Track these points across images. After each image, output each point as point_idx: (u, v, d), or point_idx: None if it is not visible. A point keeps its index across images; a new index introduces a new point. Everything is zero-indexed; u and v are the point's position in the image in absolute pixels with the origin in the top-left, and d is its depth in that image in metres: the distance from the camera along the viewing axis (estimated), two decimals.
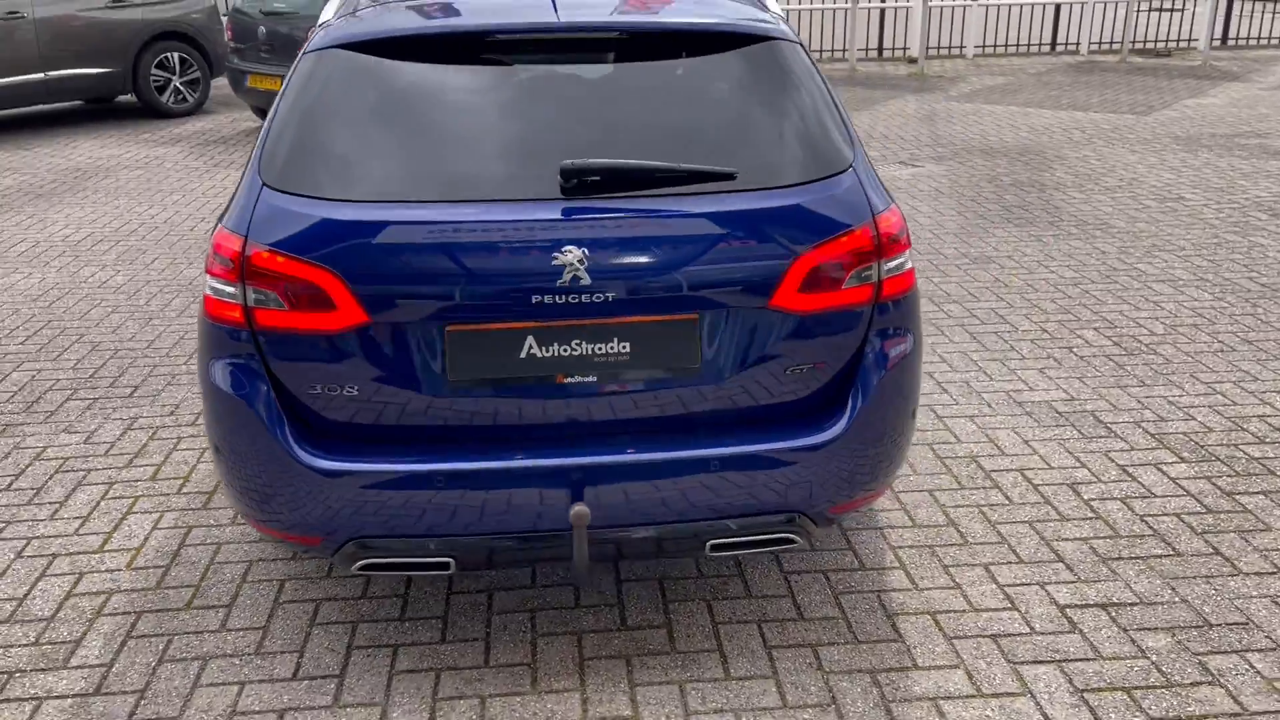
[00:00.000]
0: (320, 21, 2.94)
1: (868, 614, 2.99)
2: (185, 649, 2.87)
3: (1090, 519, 3.44)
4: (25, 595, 3.12)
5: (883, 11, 15.05)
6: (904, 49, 15.02)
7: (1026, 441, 3.96)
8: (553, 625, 2.95)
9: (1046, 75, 13.25)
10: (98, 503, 3.62)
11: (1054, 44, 15.35)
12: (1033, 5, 15.38)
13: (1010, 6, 15.84)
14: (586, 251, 2.45)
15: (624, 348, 2.52)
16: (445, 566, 2.59)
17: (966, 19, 14.90)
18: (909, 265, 2.74)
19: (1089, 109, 10.99)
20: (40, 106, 10.83)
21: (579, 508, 2.45)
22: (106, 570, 3.24)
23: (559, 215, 2.47)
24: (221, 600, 3.07)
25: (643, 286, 2.49)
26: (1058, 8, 15.26)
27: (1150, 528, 3.39)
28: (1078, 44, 15.31)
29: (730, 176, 2.57)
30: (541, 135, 2.58)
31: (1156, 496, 3.57)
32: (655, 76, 2.71)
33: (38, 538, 3.43)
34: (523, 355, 2.50)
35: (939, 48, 15.12)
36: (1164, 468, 3.75)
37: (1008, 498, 3.58)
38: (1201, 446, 3.90)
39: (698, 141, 2.63)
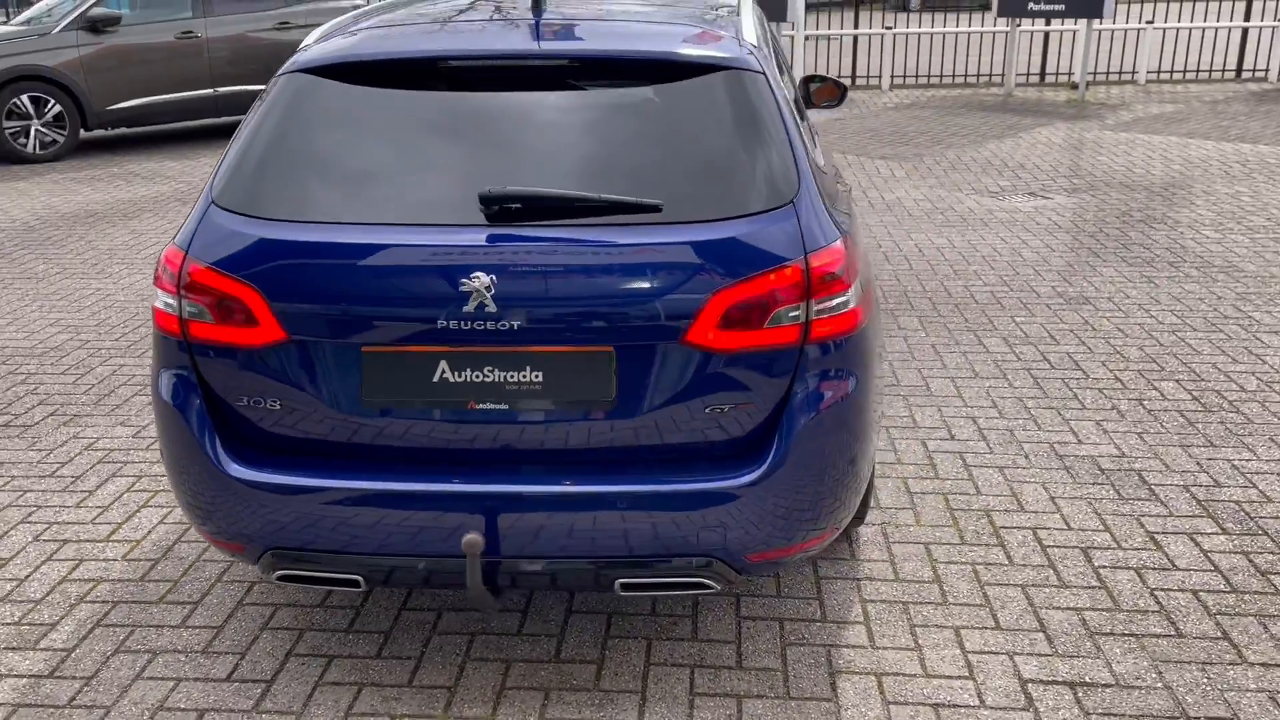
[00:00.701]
0: (302, 44, 3.05)
1: (809, 669, 2.85)
2: (142, 641, 3.00)
3: (1092, 588, 3.18)
4: (27, 577, 3.34)
5: (1046, 35, 14.41)
6: (1069, 74, 14.34)
7: (1053, 498, 3.70)
8: (487, 650, 2.94)
9: (1222, 104, 12.39)
10: (121, 495, 3.85)
11: (1239, 70, 14.34)
12: (1215, 29, 14.43)
13: (1191, 30, 14.91)
14: (495, 279, 2.44)
15: (536, 377, 2.50)
16: (355, 584, 2.62)
17: (1140, 42, 14.10)
18: (852, 305, 2.60)
19: (1259, 141, 10.21)
20: (209, 120, 11.60)
21: (471, 536, 2.44)
22: (104, 559, 3.43)
23: (471, 241, 2.47)
24: (191, 597, 3.20)
25: (554, 316, 2.46)
26: (1244, 31, 14.26)
27: (1158, 603, 3.10)
28: (1266, 70, 14.25)
29: (655, 209, 2.51)
30: (474, 161, 2.59)
31: (1177, 569, 3.27)
32: (602, 105, 2.68)
33: (59, 523, 3.66)
34: (435, 379, 2.51)
35: (1108, 73, 14.36)
36: (1199, 538, 3.43)
37: (1009, 557, 3.35)
38: (1251, 518, 3.55)
39: (634, 171, 2.58)
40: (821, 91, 5.18)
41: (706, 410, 2.53)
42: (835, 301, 2.56)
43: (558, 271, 2.46)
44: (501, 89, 2.70)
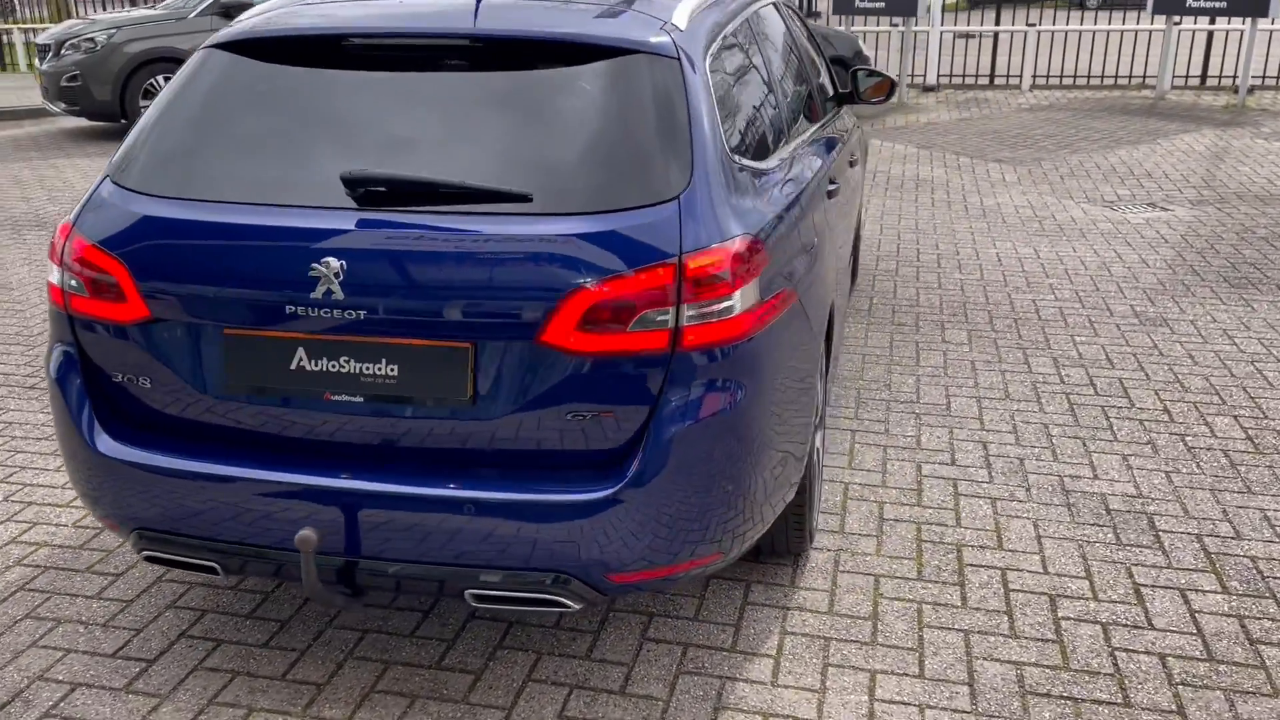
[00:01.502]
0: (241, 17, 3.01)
1: (694, 702, 2.64)
2: (52, 609, 3.04)
3: (1044, 641, 2.85)
4: None
5: (1210, 36, 13.39)
6: (1232, 78, 13.29)
7: (1039, 537, 3.35)
8: (371, 650, 2.85)
9: None
10: None
11: None
12: None
13: None
14: (345, 265, 2.33)
15: (391, 371, 2.38)
16: (213, 570, 2.57)
17: None
18: (738, 311, 2.38)
19: None
20: None
21: (305, 533, 2.34)
22: (56, 524, 3.50)
23: (325, 225, 2.37)
24: (116, 569, 3.23)
25: (407, 308, 2.33)
26: None
27: (1115, 665, 2.75)
28: None
29: (525, 198, 2.36)
30: (355, 142, 2.48)
31: (1153, 629, 2.90)
32: (497, 87, 2.53)
33: (33, 485, 3.77)
34: (293, 367, 2.42)
35: (1278, 78, 13.23)
36: (1192, 595, 3.04)
37: (964, 599, 3.04)
38: (1264, 577, 3.13)
39: (517, 158, 2.43)
40: (873, 88, 4.89)
41: (568, 417, 2.36)
42: (715, 306, 2.35)
43: (412, 260, 2.33)
44: (399, 68, 2.59)
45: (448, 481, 2.38)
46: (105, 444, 2.56)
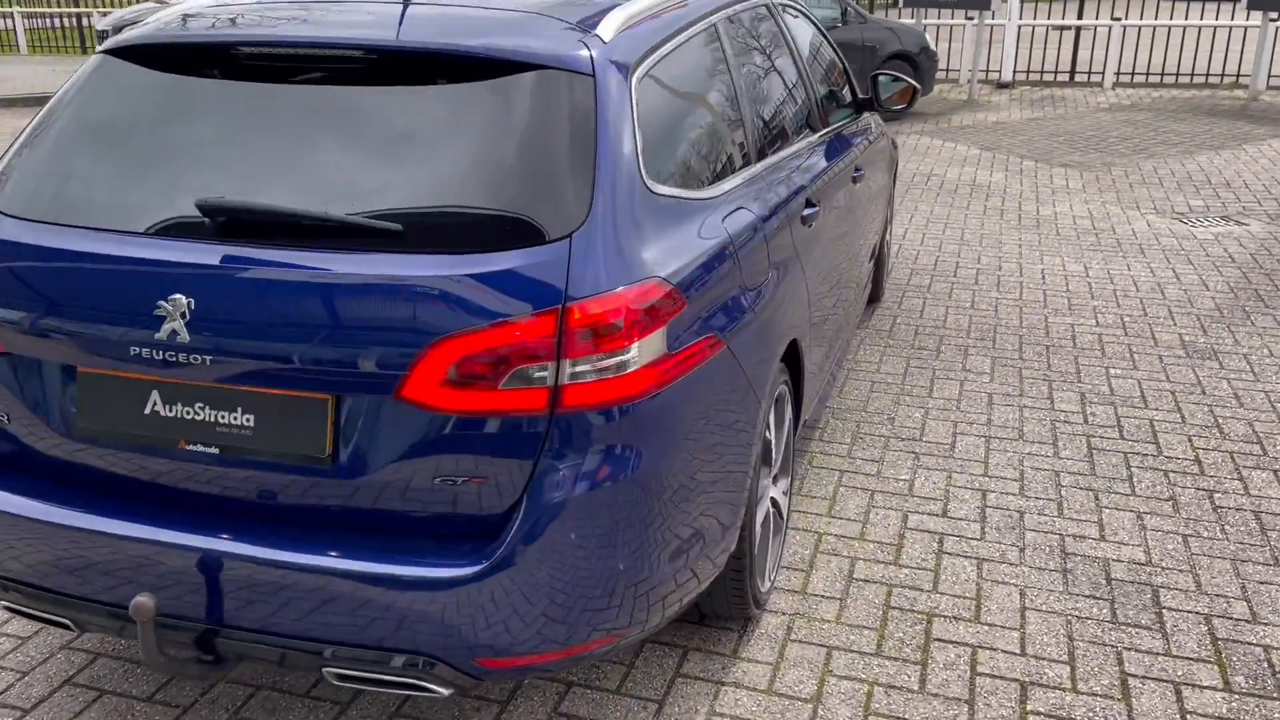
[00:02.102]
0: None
1: None
2: None
3: None
4: None
5: None
6: None
7: (1023, 609, 2.99)
8: (259, 710, 2.62)
9: None
10: None
11: None
12: None
13: None
14: (193, 303, 2.10)
15: (248, 421, 2.14)
16: (67, 626, 2.37)
17: None
18: (636, 366, 2.09)
19: None
20: None
21: (141, 598, 2.11)
22: None
23: (177, 257, 2.14)
24: None
25: (260, 353, 2.09)
26: None
27: None
28: None
29: (395, 235, 2.09)
30: (227, 164, 2.24)
31: None
32: (392, 106, 2.26)
33: None
34: (147, 411, 2.20)
35: None
36: (1187, 691, 2.66)
37: (922, 682, 2.70)
38: (1276, 672, 2.73)
39: (396, 187, 2.16)
40: (897, 94, 4.55)
41: (436, 482, 2.09)
42: (609, 361, 2.06)
43: (265, 301, 2.08)
44: (286, 82, 2.34)
45: (303, 546, 2.13)
46: None
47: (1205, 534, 3.36)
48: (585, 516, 2.08)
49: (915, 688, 2.68)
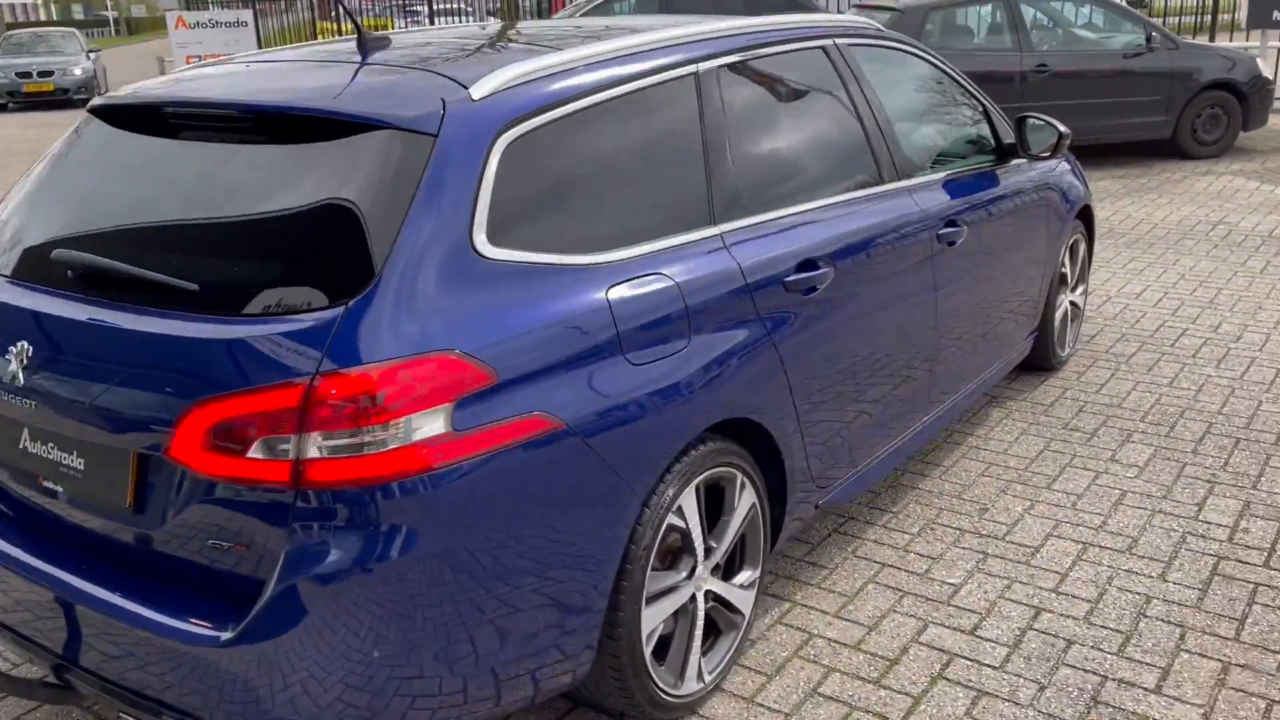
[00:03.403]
0: None
1: None
2: None
3: None
4: None
5: None
6: None
7: None
8: None
9: None
10: None
11: None
12: None
13: None
14: (31, 349, 2.23)
15: (79, 464, 2.25)
16: None
17: None
18: (395, 444, 1.97)
19: None
20: None
21: None
22: None
23: (27, 304, 2.30)
24: None
25: (77, 401, 2.19)
26: None
27: None
28: None
29: (189, 293, 2.12)
30: (108, 218, 2.38)
31: None
32: (243, 165, 2.32)
33: None
34: (19, 446, 2.37)
35: None
36: None
37: None
38: None
39: (219, 246, 2.22)
40: (1046, 146, 4.10)
41: (208, 543, 2.09)
42: (362, 438, 1.96)
43: (77, 350, 2.20)
44: (178, 139, 2.46)
45: (111, 591, 2.19)
46: None
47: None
48: (333, 597, 1.98)
49: None
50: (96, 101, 2.69)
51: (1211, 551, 3.36)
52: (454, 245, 2.12)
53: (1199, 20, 16.67)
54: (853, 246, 3.08)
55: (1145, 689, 2.73)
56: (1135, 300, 5.94)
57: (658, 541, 2.46)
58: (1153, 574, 3.25)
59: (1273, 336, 5.25)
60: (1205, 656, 2.85)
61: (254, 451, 1.97)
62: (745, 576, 2.84)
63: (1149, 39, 9.49)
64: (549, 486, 2.18)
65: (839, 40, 3.41)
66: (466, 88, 2.31)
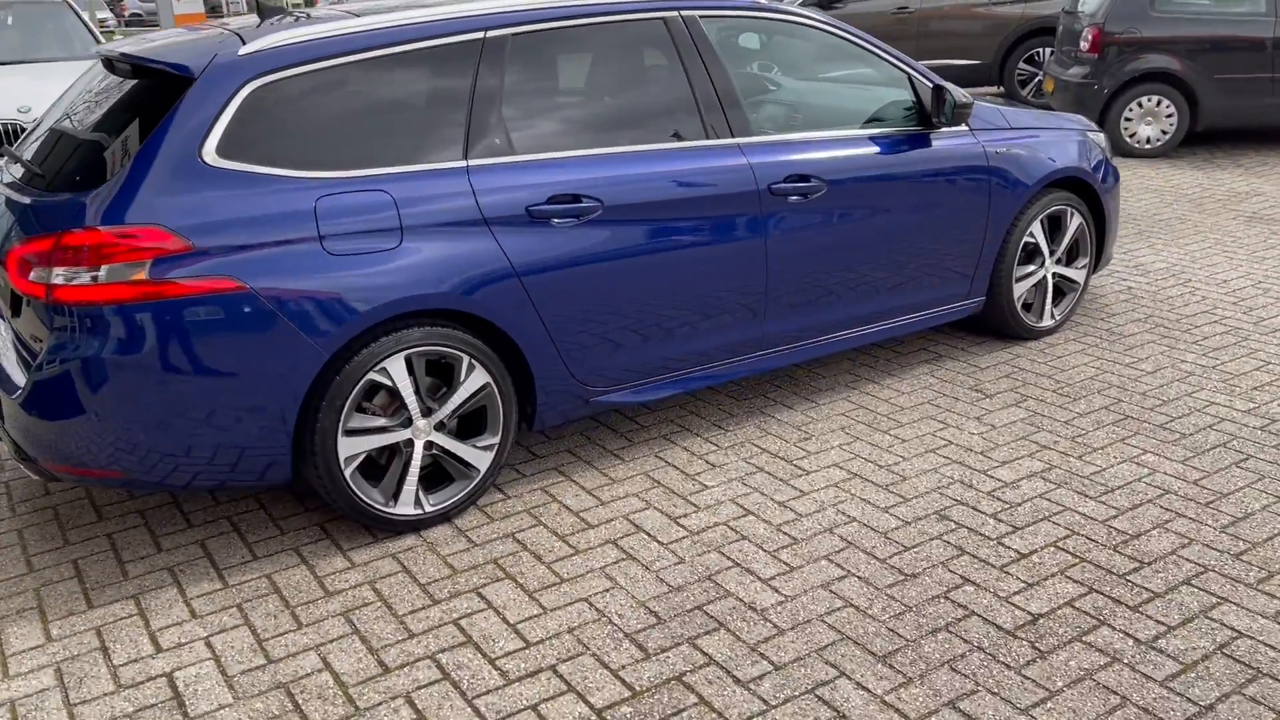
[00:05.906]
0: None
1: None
2: None
3: None
4: None
5: None
6: None
7: None
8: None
9: None
10: None
11: None
12: None
13: None
14: None
15: None
16: None
17: None
18: (102, 281, 2.95)
19: None
20: None
21: None
22: None
23: None
24: None
25: None
26: None
27: None
28: None
29: (42, 177, 3.26)
30: (39, 134, 3.59)
31: None
32: (119, 101, 3.42)
33: None
34: None
35: None
36: None
37: None
38: None
39: (69, 150, 3.36)
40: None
41: (30, 334, 3.23)
42: (83, 275, 2.96)
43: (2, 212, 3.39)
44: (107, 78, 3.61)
45: None
46: None
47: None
48: (68, 375, 3.02)
49: None
50: (102, 50, 3.87)
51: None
52: (184, 155, 3.06)
53: None
54: (631, 186, 3.62)
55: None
56: (1168, 273, 5.67)
57: (355, 390, 3.26)
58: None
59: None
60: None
61: (31, 276, 3.05)
62: (484, 440, 3.56)
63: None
64: (234, 328, 3.07)
65: (686, 13, 3.90)
66: (241, 45, 3.23)
